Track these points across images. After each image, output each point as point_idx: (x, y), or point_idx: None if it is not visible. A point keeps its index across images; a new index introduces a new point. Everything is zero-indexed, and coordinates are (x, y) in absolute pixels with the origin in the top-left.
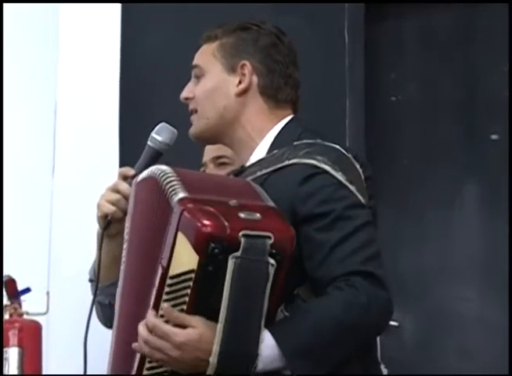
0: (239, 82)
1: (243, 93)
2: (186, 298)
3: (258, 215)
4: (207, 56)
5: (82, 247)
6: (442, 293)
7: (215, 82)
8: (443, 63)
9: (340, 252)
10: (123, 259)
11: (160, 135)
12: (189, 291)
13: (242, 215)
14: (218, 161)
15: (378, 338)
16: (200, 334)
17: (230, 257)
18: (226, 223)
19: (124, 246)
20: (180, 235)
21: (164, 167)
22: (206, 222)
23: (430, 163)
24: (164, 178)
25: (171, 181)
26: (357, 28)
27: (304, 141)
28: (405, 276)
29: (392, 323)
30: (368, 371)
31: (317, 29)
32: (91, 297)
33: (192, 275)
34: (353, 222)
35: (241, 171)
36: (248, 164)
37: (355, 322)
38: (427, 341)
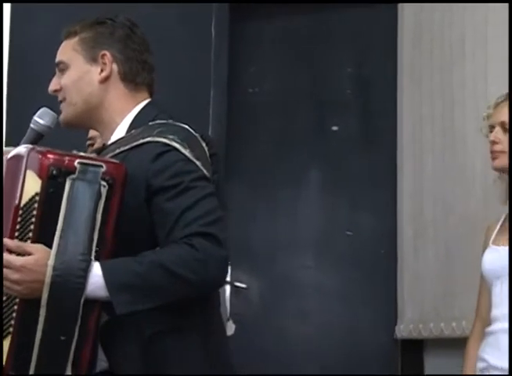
0: (101, 71)
1: (105, 80)
2: (32, 225)
3: (94, 155)
4: (69, 51)
5: None
6: (287, 262)
7: (79, 73)
8: (298, 60)
9: (187, 218)
10: None
11: (43, 118)
12: (35, 212)
13: (81, 154)
14: None
15: (228, 297)
16: (37, 258)
17: (68, 178)
18: (65, 157)
19: None
20: (28, 172)
21: (32, 145)
22: (48, 155)
23: (282, 149)
24: (28, 151)
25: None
26: (222, 26)
27: (158, 121)
28: (256, 246)
29: (241, 285)
30: (208, 321)
31: (186, 26)
32: None
33: (37, 197)
34: (199, 192)
35: (102, 149)
36: (109, 142)
37: (187, 274)
38: (271, 302)
